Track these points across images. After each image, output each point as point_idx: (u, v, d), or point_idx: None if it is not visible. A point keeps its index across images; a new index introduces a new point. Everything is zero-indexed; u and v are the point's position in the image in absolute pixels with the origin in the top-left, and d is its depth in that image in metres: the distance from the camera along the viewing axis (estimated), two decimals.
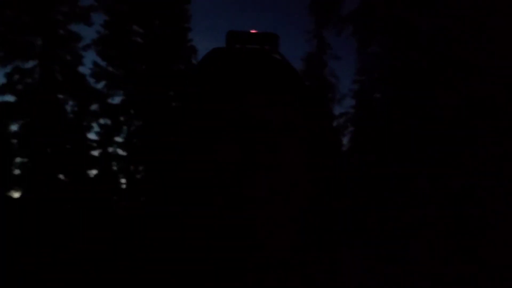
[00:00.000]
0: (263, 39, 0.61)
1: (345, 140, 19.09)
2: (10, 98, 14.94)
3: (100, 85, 16.03)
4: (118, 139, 15.98)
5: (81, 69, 15.85)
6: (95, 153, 15.60)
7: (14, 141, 14.80)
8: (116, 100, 16.19)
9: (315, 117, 0.61)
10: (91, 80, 15.84)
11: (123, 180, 15.87)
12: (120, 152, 15.97)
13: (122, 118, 15.99)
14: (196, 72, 0.59)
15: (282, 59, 0.60)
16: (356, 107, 18.64)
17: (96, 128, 15.78)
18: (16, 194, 14.92)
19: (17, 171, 14.88)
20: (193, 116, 0.57)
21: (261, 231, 0.54)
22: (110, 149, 15.83)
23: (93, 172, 15.52)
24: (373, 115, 16.30)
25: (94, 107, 15.73)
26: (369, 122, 16.34)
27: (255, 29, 0.62)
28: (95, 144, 15.58)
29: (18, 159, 14.85)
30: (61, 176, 14.91)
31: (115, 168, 15.76)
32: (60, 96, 15.14)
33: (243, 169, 0.54)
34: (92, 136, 15.79)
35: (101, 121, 15.85)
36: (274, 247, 0.54)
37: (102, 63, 16.06)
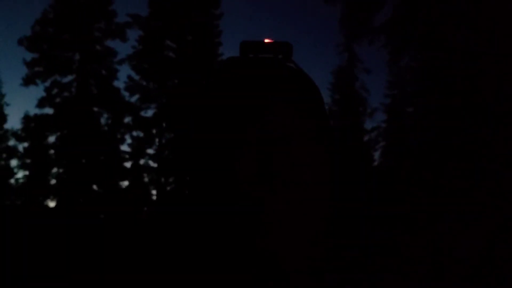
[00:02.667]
0: (276, 48, 0.61)
1: (377, 155, 18.75)
2: (48, 110, 15.60)
3: (134, 99, 16.51)
4: (150, 151, 16.33)
5: (116, 83, 16.39)
6: (127, 164, 15.99)
7: (51, 151, 15.40)
8: (149, 113, 16.60)
9: (332, 125, 0.60)
10: (125, 94, 16.35)
11: (153, 192, 16.15)
12: (151, 164, 16.30)
13: (154, 131, 16.35)
14: (211, 81, 0.60)
15: (295, 67, 0.60)
16: (388, 122, 18.31)
17: (128, 140, 16.20)
18: (52, 203, 15.47)
19: (53, 181, 15.44)
20: (208, 126, 0.57)
21: (279, 244, 0.53)
22: (142, 161, 16.18)
23: (125, 183, 15.89)
24: (405, 130, 15.95)
25: (127, 119, 16.19)
26: (401, 137, 15.99)
27: (271, 39, 0.63)
28: (127, 156, 15.98)
29: (54, 170, 15.42)
30: (95, 187, 15.34)
31: (146, 179, 16.08)
32: (95, 109, 15.68)
33: (261, 180, 0.54)
34: (124, 148, 16.21)
35: (134, 133, 16.27)
36: (293, 260, 0.54)
37: (136, 77, 16.55)
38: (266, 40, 0.62)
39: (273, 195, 0.54)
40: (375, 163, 18.55)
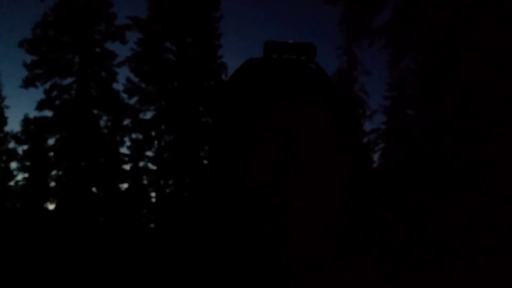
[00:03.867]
0: (300, 49, 0.61)
1: (376, 157, 18.75)
2: (48, 113, 15.60)
3: (133, 101, 16.51)
4: (149, 153, 16.33)
5: (115, 85, 16.39)
6: (127, 167, 15.98)
7: (51, 154, 15.39)
8: (148, 115, 16.60)
9: (350, 128, 0.61)
10: (125, 96, 16.35)
11: (153, 194, 16.14)
12: (151, 166, 16.29)
13: (153, 133, 16.35)
14: (231, 82, 0.60)
15: (318, 69, 0.61)
16: (388, 124, 18.32)
17: (128, 142, 16.19)
18: (51, 206, 15.45)
19: (53, 184, 15.43)
20: (226, 126, 0.58)
21: (295, 241, 0.54)
22: (141, 163, 16.17)
23: (124, 185, 15.88)
24: (405, 132, 15.96)
25: (126, 122, 16.19)
26: (400, 139, 15.99)
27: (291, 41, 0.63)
28: (126, 158, 15.97)
29: (54, 172, 15.41)
30: (94, 189, 15.33)
31: (145, 182, 16.07)
32: (95, 111, 15.68)
33: (278, 179, 0.54)
34: (124, 150, 16.20)
35: (133, 136, 16.26)
36: (308, 255, 0.54)
37: (135, 80, 16.56)
38: (290, 41, 0.62)
39: (292, 190, 0.53)
40: (374, 165, 18.57)
